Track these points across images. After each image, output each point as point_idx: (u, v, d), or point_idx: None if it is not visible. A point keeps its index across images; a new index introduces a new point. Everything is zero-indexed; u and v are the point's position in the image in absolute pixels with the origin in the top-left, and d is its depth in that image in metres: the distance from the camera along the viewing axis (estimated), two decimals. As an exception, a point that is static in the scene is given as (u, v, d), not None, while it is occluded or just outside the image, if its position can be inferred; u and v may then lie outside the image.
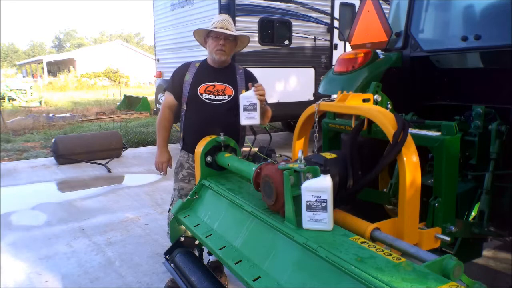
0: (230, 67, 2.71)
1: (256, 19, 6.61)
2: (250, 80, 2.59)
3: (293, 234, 1.45)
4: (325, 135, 2.49)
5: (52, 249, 3.48)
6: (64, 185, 5.49)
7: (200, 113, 2.61)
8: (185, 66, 2.72)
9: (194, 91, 2.62)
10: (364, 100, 1.94)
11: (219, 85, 2.63)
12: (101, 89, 25.80)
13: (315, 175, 1.46)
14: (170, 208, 2.78)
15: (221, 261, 1.72)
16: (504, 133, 2.18)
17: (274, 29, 6.84)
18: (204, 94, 2.61)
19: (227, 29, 2.55)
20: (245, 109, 2.28)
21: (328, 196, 1.39)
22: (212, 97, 2.61)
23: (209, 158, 2.23)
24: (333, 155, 1.76)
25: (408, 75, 2.82)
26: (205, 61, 2.72)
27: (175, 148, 2.89)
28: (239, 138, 2.64)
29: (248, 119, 2.29)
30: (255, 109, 2.27)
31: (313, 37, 7.33)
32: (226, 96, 2.61)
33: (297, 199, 1.46)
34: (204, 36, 2.67)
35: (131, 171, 6.25)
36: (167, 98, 2.75)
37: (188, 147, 2.70)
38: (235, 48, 2.71)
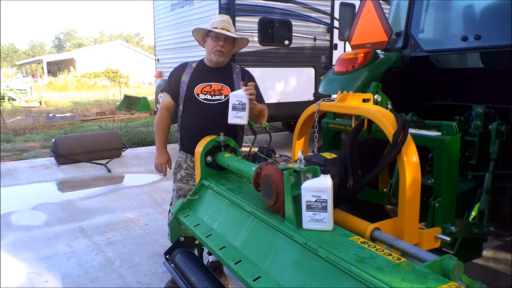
0: (227, 67, 2.70)
1: (256, 19, 6.61)
2: (247, 79, 2.58)
3: (293, 234, 1.45)
4: (325, 135, 2.49)
5: (52, 249, 3.48)
6: (64, 185, 5.49)
7: (196, 113, 2.61)
8: (182, 67, 2.71)
9: (191, 91, 2.61)
10: (364, 100, 1.94)
11: (215, 85, 2.62)
12: (101, 89, 25.79)
13: (315, 175, 1.46)
14: (170, 209, 2.78)
15: (221, 261, 1.72)
16: (504, 133, 2.18)
17: (274, 29, 6.84)
18: (200, 95, 2.60)
19: (227, 30, 2.54)
20: (234, 108, 2.25)
21: (328, 196, 1.39)
22: (209, 97, 2.60)
23: (209, 158, 2.23)
24: (333, 155, 1.76)
25: (408, 75, 2.81)
26: (202, 61, 2.72)
27: (174, 148, 2.89)
28: (237, 138, 2.63)
29: (235, 118, 2.26)
30: (243, 109, 2.24)
31: (313, 37, 7.33)
32: (223, 96, 2.60)
33: (297, 199, 1.46)
34: (203, 35, 2.66)
35: (131, 171, 6.25)
36: (164, 99, 2.75)
37: (186, 147, 2.70)
38: (233, 49, 2.70)
